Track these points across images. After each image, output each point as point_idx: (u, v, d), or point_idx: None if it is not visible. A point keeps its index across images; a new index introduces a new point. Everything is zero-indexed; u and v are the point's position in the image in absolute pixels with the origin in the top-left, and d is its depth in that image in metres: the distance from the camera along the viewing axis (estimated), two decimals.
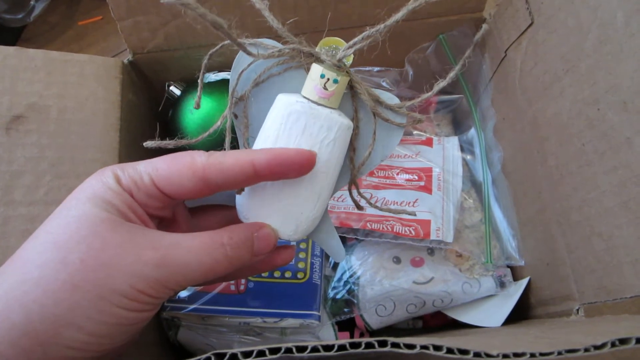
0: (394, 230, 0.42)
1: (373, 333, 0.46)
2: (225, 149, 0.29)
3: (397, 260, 0.44)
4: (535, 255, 0.42)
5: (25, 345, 0.21)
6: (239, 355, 0.21)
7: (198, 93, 0.30)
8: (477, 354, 0.20)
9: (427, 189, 0.46)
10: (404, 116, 0.28)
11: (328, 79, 0.26)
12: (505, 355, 0.20)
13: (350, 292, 0.43)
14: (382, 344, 0.21)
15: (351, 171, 0.29)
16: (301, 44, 0.27)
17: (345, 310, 0.44)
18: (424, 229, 0.42)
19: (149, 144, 0.30)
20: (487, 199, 0.47)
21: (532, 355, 0.20)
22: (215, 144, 0.45)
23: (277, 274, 0.44)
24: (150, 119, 0.48)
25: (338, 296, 0.44)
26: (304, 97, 0.26)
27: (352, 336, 0.46)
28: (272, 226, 0.27)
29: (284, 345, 0.21)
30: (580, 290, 0.36)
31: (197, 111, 0.46)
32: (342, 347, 0.21)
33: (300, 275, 0.44)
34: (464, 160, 0.49)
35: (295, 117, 0.26)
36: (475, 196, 0.48)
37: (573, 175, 0.36)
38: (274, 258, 0.30)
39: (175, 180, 0.24)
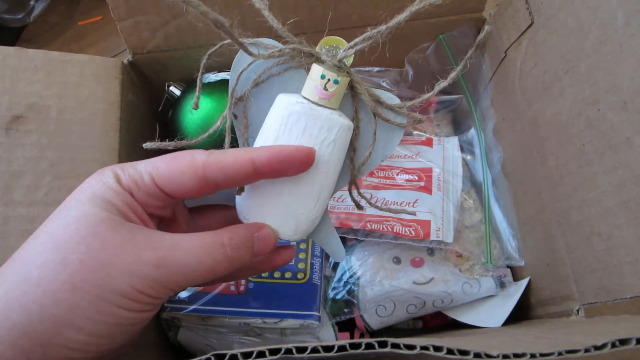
0: (394, 230, 0.42)
1: (373, 333, 0.46)
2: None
3: (397, 261, 0.44)
4: (535, 255, 0.42)
5: (25, 345, 0.21)
6: (239, 356, 0.21)
7: (197, 93, 0.30)
8: (477, 355, 0.20)
9: (427, 189, 0.46)
10: (405, 116, 0.28)
11: (328, 80, 0.26)
12: (505, 356, 0.20)
13: (350, 292, 0.43)
14: (382, 344, 0.21)
15: (351, 171, 0.29)
16: (301, 43, 0.27)
17: (345, 310, 0.44)
18: (424, 229, 0.42)
19: (148, 145, 0.30)
20: (487, 199, 0.47)
21: (532, 355, 0.20)
22: (214, 144, 0.45)
23: (277, 274, 0.44)
24: (150, 119, 0.48)
25: (338, 297, 0.44)
26: (304, 98, 0.26)
27: (352, 337, 0.46)
28: (272, 226, 0.27)
29: (283, 346, 0.21)
30: (581, 291, 0.36)
31: (197, 111, 0.46)
32: (342, 348, 0.21)
33: (300, 275, 0.43)
34: (464, 160, 0.49)
35: (296, 118, 0.26)
36: (475, 196, 0.48)
37: (573, 175, 0.36)
38: (274, 258, 0.30)
39: (175, 179, 0.24)
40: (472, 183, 0.49)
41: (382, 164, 0.47)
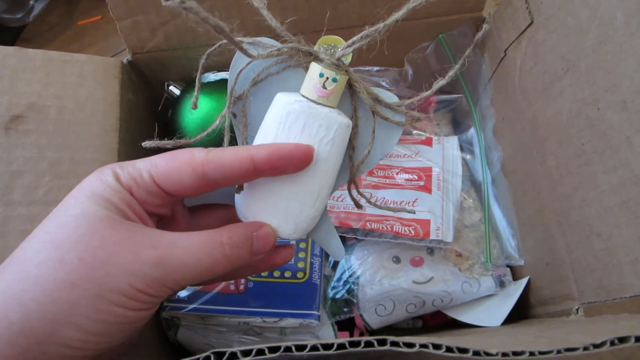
0: (394, 230, 0.42)
1: (373, 333, 0.46)
2: None
3: (397, 260, 0.44)
4: (534, 254, 0.42)
5: (23, 343, 0.21)
6: (239, 354, 0.21)
7: (195, 93, 0.30)
8: (476, 353, 0.20)
9: (427, 188, 0.46)
10: (403, 115, 0.28)
11: (327, 78, 0.26)
12: (504, 354, 0.20)
13: (349, 291, 0.43)
14: (382, 342, 0.21)
15: (350, 170, 0.29)
16: (300, 42, 0.27)
17: (345, 310, 0.44)
18: (423, 228, 0.42)
19: (147, 144, 0.30)
20: (487, 198, 0.47)
21: (532, 354, 0.20)
22: (214, 143, 0.44)
23: (276, 273, 0.44)
24: (149, 118, 0.48)
25: (338, 296, 0.44)
26: (303, 96, 0.26)
27: (351, 336, 0.46)
28: (271, 225, 0.27)
29: (283, 344, 0.21)
30: (580, 290, 0.36)
31: (196, 111, 0.46)
32: (341, 346, 0.21)
33: (299, 275, 0.43)
34: (463, 159, 0.49)
35: (294, 117, 0.26)
36: (475, 196, 0.48)
37: (573, 175, 0.36)
38: (274, 257, 0.30)
39: (174, 176, 0.24)
40: (472, 182, 0.49)
41: (381, 163, 0.48)
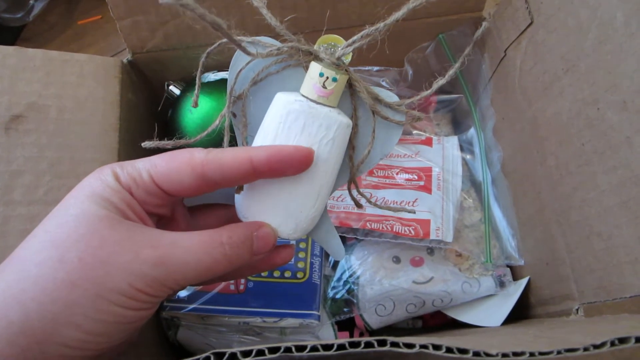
0: (394, 230, 0.42)
1: (373, 333, 0.46)
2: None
3: (397, 260, 0.44)
4: (534, 254, 0.42)
5: (23, 343, 0.21)
6: (238, 355, 0.21)
7: (195, 92, 0.30)
8: (476, 353, 0.20)
9: (427, 188, 0.46)
10: (403, 114, 0.28)
11: (327, 78, 0.26)
12: (504, 355, 0.20)
13: (349, 291, 0.43)
14: (382, 343, 0.21)
15: (350, 169, 0.29)
16: (299, 42, 0.27)
17: (345, 310, 0.44)
18: (423, 228, 0.42)
19: (147, 144, 0.30)
20: (487, 198, 0.47)
21: (532, 354, 0.20)
22: (214, 143, 0.45)
23: (276, 273, 0.44)
24: (149, 118, 0.48)
25: (338, 296, 0.44)
26: (303, 96, 0.26)
27: (351, 336, 0.46)
28: (271, 225, 0.27)
29: (283, 345, 0.21)
30: (580, 290, 0.36)
31: (196, 111, 0.46)
32: (341, 347, 0.21)
33: (299, 275, 0.43)
34: (463, 159, 0.49)
35: (294, 116, 0.26)
36: (475, 196, 0.48)
37: (573, 175, 0.36)
38: (274, 257, 0.29)
39: (174, 177, 0.24)
40: (472, 182, 0.49)
41: (381, 163, 0.48)
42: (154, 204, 0.25)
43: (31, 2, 0.65)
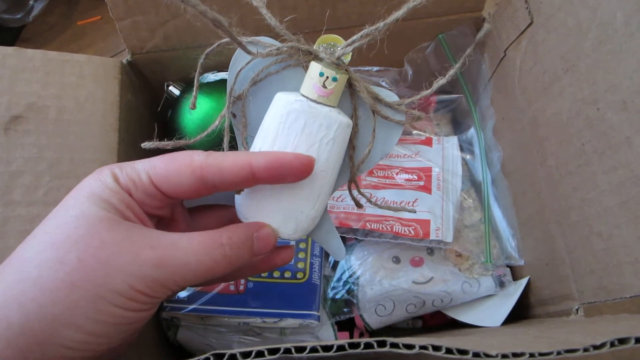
0: (394, 230, 0.42)
1: (373, 333, 0.46)
2: (223, 149, 0.29)
3: (397, 260, 0.44)
4: (534, 255, 0.42)
5: (23, 344, 0.21)
6: (238, 356, 0.21)
7: (194, 92, 0.30)
8: (476, 354, 0.20)
9: (427, 188, 0.46)
10: (403, 114, 0.28)
11: (327, 77, 0.26)
12: (504, 355, 0.20)
13: (349, 292, 0.43)
14: (381, 344, 0.21)
15: (351, 169, 0.29)
16: (299, 41, 0.27)
17: (345, 310, 0.44)
18: (423, 228, 0.42)
19: (146, 145, 0.30)
20: (487, 198, 0.47)
21: (531, 355, 0.20)
22: (214, 144, 0.45)
23: (276, 274, 0.44)
24: (149, 119, 0.48)
25: (337, 296, 0.44)
26: (303, 96, 0.26)
27: (351, 336, 0.46)
28: (271, 226, 0.27)
29: (282, 346, 0.21)
30: (580, 290, 0.36)
31: (196, 111, 0.45)
32: (341, 348, 0.21)
33: (299, 275, 0.43)
34: (463, 159, 0.49)
35: (295, 116, 0.26)
36: (475, 196, 0.48)
37: (572, 175, 0.35)
38: (274, 258, 0.29)
39: (173, 179, 0.24)
40: (472, 182, 0.49)
41: (381, 163, 0.48)
42: (153, 205, 0.25)
43: (31, 2, 0.65)
